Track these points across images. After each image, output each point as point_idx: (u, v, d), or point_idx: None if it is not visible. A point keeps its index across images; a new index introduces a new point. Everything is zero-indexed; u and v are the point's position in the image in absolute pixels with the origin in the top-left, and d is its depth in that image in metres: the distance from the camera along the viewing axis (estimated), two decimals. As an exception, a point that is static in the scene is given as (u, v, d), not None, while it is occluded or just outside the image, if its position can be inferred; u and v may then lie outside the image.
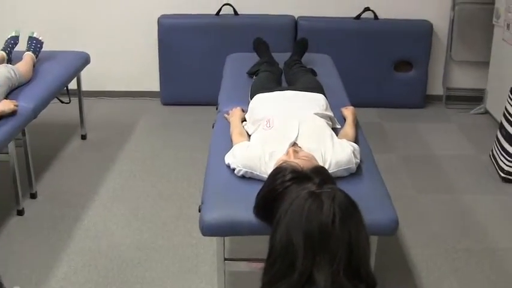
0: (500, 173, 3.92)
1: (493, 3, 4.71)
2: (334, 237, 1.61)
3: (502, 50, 4.58)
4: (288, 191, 1.89)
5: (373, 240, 2.41)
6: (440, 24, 5.06)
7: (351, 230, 1.64)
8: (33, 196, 3.68)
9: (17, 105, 3.38)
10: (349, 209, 1.68)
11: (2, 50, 3.93)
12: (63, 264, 3.07)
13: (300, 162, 2.17)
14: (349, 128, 2.89)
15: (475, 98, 5.15)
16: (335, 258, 1.60)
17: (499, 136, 3.99)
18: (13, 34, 4.06)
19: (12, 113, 3.33)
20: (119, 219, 3.48)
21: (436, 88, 5.28)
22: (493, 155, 4.08)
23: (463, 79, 5.22)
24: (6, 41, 4.01)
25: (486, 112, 4.98)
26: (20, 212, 3.51)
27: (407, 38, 4.98)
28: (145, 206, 3.62)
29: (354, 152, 2.49)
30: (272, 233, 1.71)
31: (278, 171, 2.08)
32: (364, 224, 1.71)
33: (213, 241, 2.45)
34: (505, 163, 3.87)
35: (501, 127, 4.00)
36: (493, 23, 4.71)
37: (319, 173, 2.01)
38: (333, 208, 1.63)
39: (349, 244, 1.63)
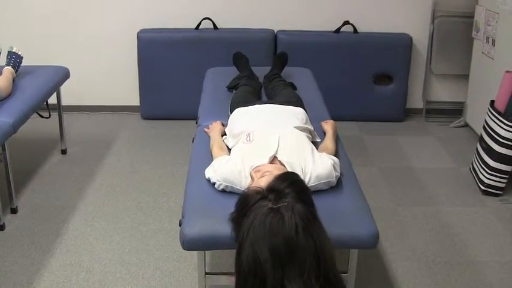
0: (480, 185, 3.95)
1: (472, 17, 4.77)
2: (300, 247, 1.63)
3: (482, 63, 4.63)
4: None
5: (354, 253, 2.42)
6: (420, 38, 5.11)
7: (314, 237, 1.66)
8: (14, 211, 3.66)
9: (-3, 121, 3.37)
10: (309, 217, 1.70)
11: (-19, 65, 3.92)
12: (44, 279, 3.05)
13: (265, 180, 2.14)
14: (329, 142, 2.90)
15: (455, 111, 5.21)
16: (305, 268, 1.62)
17: (479, 149, 4.03)
18: (-6, 50, 4.06)
19: (-8, 128, 3.32)
20: (99, 233, 3.47)
21: (416, 101, 5.32)
22: (473, 167, 4.12)
23: (443, 92, 5.27)
24: (-14, 56, 4.00)
25: (466, 125, 5.03)
26: (1, 227, 3.48)
27: (387, 51, 5.01)
28: (125, 220, 3.61)
29: (334, 166, 2.50)
30: (237, 255, 1.71)
31: (244, 197, 1.99)
32: (325, 229, 1.73)
33: (194, 255, 2.45)
34: (485, 176, 3.90)
35: (481, 140, 4.03)
36: (473, 36, 4.76)
37: (285, 180, 1.98)
38: (294, 219, 1.65)
39: (316, 251, 1.64)
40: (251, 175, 2.35)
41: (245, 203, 1.90)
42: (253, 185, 2.22)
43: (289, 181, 1.97)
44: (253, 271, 1.64)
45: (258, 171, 2.31)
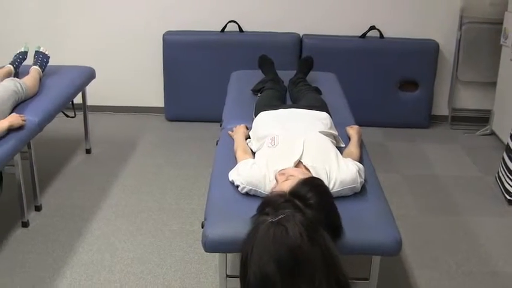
0: (506, 195, 3.90)
1: (500, 23, 4.71)
2: (308, 256, 1.61)
3: (510, 71, 4.57)
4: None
5: (376, 260, 2.40)
6: (447, 44, 5.07)
7: (320, 243, 1.65)
8: (38, 208, 3.69)
9: (25, 120, 3.40)
10: (311, 225, 1.69)
11: (10, 64, 3.96)
12: (66, 277, 3.07)
13: (288, 184, 2.15)
14: (353, 147, 2.89)
15: (481, 119, 5.15)
16: (315, 275, 1.60)
17: (506, 158, 3.98)
18: (22, 49, 4.09)
19: (20, 127, 3.35)
20: (121, 233, 3.48)
21: (442, 108, 5.28)
22: (499, 177, 4.07)
23: (469, 100, 5.22)
24: (15, 55, 4.04)
25: (492, 133, 4.98)
26: (25, 224, 3.51)
27: (413, 57, 4.98)
28: (148, 220, 3.62)
29: (359, 172, 2.49)
30: (242, 274, 1.70)
31: (266, 202, 2.00)
32: (327, 235, 1.71)
33: (215, 257, 2.44)
34: (511, 185, 3.85)
35: (507, 149, 3.99)
36: (501, 43, 4.71)
37: (307, 185, 1.99)
38: (298, 229, 1.63)
39: (323, 258, 1.63)
40: (276, 178, 2.35)
41: (267, 206, 1.89)
42: (276, 188, 2.22)
43: (312, 186, 1.96)
44: (262, 287, 1.62)
45: (283, 174, 2.31)
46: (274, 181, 2.37)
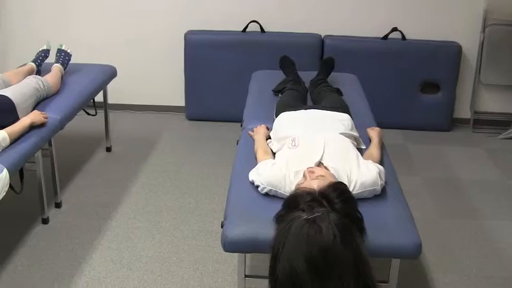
0: (527, 199, 3.87)
1: (525, 25, 4.67)
2: (339, 259, 1.59)
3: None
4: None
5: (395, 263, 2.39)
6: (470, 46, 5.02)
7: (353, 247, 1.63)
8: (58, 205, 3.72)
9: (47, 117, 3.43)
10: (346, 227, 1.67)
11: (32, 61, 3.99)
12: (85, 274, 3.08)
13: (316, 183, 2.15)
14: (374, 149, 2.88)
15: (504, 122, 5.11)
16: (344, 279, 1.59)
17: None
18: (44, 47, 4.12)
19: (42, 125, 3.37)
20: (141, 231, 3.49)
21: (464, 111, 5.24)
22: (520, 180, 4.04)
23: (492, 103, 5.17)
24: (37, 53, 4.07)
25: (514, 137, 4.94)
26: (45, 221, 3.54)
27: (435, 59, 4.95)
28: (167, 219, 3.63)
29: (379, 174, 2.48)
30: (271, 268, 1.68)
31: (294, 197, 2.03)
32: (360, 236, 1.70)
33: (234, 257, 2.45)
34: (531, 189, 3.82)
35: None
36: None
37: (334, 189, 1.99)
38: (332, 230, 1.62)
39: (354, 261, 1.61)
40: (304, 174, 2.34)
41: (295, 202, 1.88)
42: (304, 185, 2.22)
43: (340, 192, 1.96)
44: (290, 284, 1.61)
45: (312, 172, 2.31)
46: (295, 182, 2.37)
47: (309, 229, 1.63)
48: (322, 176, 2.27)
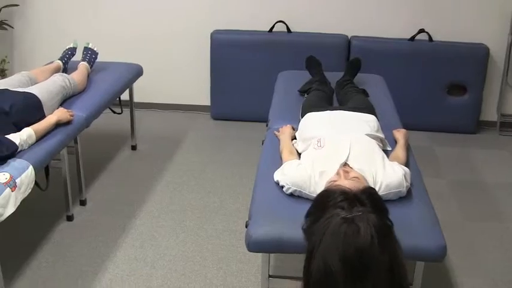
0: (554, 203, 3.82)
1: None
2: (375, 261, 1.57)
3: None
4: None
5: (420, 266, 2.37)
6: (498, 49, 4.97)
7: (390, 250, 1.61)
8: (83, 203, 3.74)
9: (73, 115, 3.45)
10: (384, 229, 1.65)
11: (59, 59, 4.02)
12: (109, 271, 3.10)
13: (349, 184, 2.15)
14: (400, 151, 2.86)
15: (531, 125, 5.06)
16: (378, 282, 1.57)
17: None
18: (71, 45, 4.15)
19: (68, 122, 3.40)
20: (165, 230, 3.51)
21: (490, 114, 5.19)
22: (547, 184, 3.99)
23: (519, 106, 5.13)
24: (64, 51, 4.10)
25: (541, 140, 4.88)
26: (70, 218, 3.57)
27: (462, 61, 4.90)
28: (191, 218, 3.64)
29: (405, 176, 2.46)
30: (306, 263, 1.67)
31: (327, 193, 2.03)
32: (398, 241, 1.67)
33: (258, 257, 2.44)
34: (559, 193, 3.77)
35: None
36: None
37: (369, 194, 1.98)
38: (370, 230, 1.59)
39: (390, 265, 1.59)
40: (338, 172, 2.33)
41: (327, 198, 1.87)
42: (337, 182, 2.21)
43: (372, 197, 1.94)
44: (323, 281, 1.59)
45: (348, 172, 2.30)
46: (320, 182, 2.36)
47: (347, 228, 1.61)
48: (357, 178, 2.27)
